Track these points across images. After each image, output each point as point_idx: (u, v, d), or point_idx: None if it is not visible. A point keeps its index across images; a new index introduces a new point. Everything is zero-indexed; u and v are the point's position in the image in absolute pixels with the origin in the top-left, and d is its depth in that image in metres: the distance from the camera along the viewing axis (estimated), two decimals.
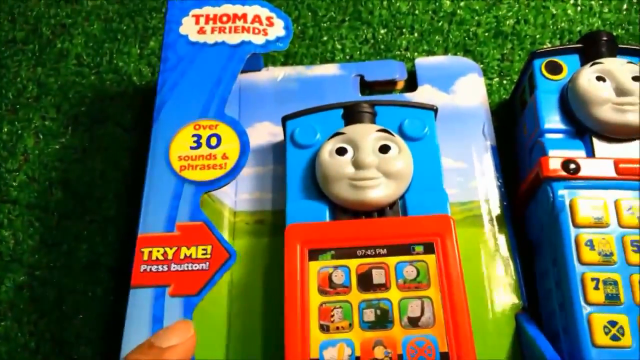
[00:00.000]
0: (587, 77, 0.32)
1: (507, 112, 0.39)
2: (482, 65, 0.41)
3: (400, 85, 0.41)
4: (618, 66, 0.32)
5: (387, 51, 0.43)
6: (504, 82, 0.41)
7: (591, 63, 0.33)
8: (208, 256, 0.27)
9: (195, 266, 0.27)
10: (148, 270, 0.27)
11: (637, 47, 0.34)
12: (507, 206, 0.34)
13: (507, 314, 0.31)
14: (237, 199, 0.35)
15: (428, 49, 0.43)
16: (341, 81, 0.40)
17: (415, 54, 0.42)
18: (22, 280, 0.35)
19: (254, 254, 0.33)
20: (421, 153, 0.33)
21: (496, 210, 0.34)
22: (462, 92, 0.38)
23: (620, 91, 0.31)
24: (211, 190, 0.29)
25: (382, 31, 0.43)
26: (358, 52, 0.43)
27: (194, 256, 0.27)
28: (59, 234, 0.37)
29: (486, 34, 0.43)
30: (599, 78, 0.32)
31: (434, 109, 0.34)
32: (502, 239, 0.33)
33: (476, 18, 0.44)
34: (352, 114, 0.34)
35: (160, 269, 0.27)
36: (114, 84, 0.42)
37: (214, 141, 0.29)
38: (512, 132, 0.38)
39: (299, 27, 0.43)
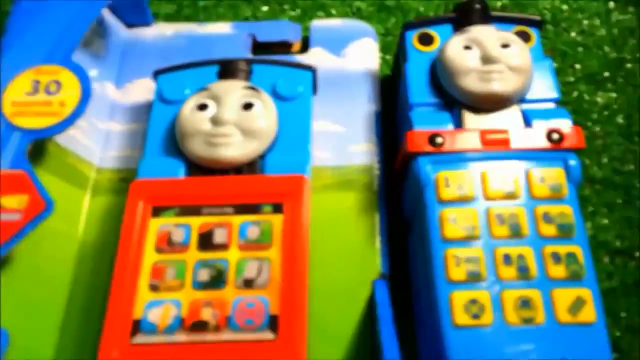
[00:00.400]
0: (454, 47, 0.31)
1: (389, 88, 0.37)
2: None
3: (296, 47, 0.39)
4: (486, 33, 0.31)
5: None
6: (387, 57, 0.39)
7: (460, 32, 0.32)
8: (22, 206, 0.25)
9: (6, 216, 0.25)
10: None
11: (511, 15, 0.33)
12: (381, 175, 0.33)
13: (366, 280, 0.30)
14: (103, 156, 0.33)
15: None
16: (233, 40, 0.38)
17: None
18: None
19: (112, 212, 0.32)
20: (292, 113, 0.31)
21: (369, 177, 0.32)
22: (353, 55, 0.37)
23: (486, 59, 0.30)
24: (39, 139, 0.27)
25: (264, 8, 0.42)
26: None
27: (7, 205, 0.25)
28: None
29: (370, 8, 0.42)
30: (466, 47, 0.31)
31: (312, 70, 0.33)
32: (371, 206, 0.32)
33: None
34: (226, 71, 0.32)
35: None
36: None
37: (53, 87, 0.28)
38: (395, 110, 0.36)
39: None
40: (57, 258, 0.30)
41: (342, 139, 0.34)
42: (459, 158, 0.29)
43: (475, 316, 0.25)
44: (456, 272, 0.26)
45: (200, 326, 0.25)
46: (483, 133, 0.29)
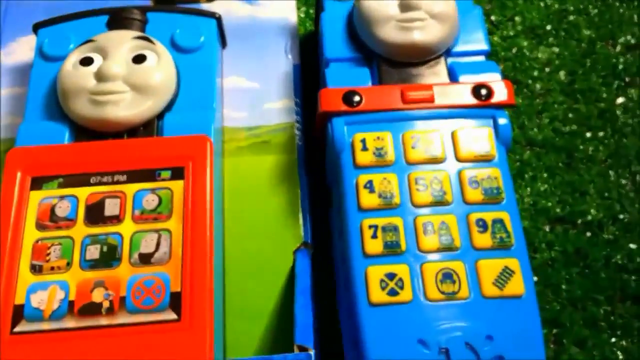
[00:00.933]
0: None
1: (312, 45, 0.34)
2: None
3: None
4: None
5: None
6: (311, 11, 0.36)
7: None
8: None
9: None
10: None
11: None
12: (302, 135, 0.30)
13: (286, 249, 0.27)
14: None
15: None
16: None
17: None
18: None
19: None
20: (193, 67, 0.28)
21: (288, 138, 0.30)
22: (268, 4, 0.33)
23: (406, 6, 0.27)
24: None
25: None
26: None
27: None
28: None
29: None
30: None
31: (215, 17, 0.29)
32: (291, 170, 0.29)
33: None
34: (117, 21, 0.29)
35: None
36: None
37: None
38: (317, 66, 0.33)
39: None
40: None
41: (258, 97, 0.31)
42: (377, 118, 0.26)
43: (393, 292, 0.23)
44: (373, 244, 0.24)
45: (91, 309, 0.22)
46: (404, 89, 0.26)
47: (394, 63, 0.28)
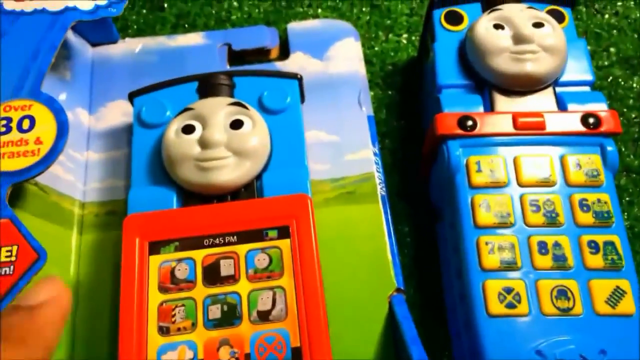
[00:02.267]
0: (484, 26, 0.30)
1: (414, 71, 0.37)
2: (389, 22, 0.39)
3: (275, 53, 0.37)
4: (517, 12, 0.30)
5: (288, 8, 0.40)
6: (413, 38, 0.38)
7: (490, 10, 0.31)
8: (13, 258, 0.23)
9: None
10: None
11: None
12: (383, 181, 0.32)
13: (381, 296, 0.29)
14: (85, 189, 0.31)
15: (332, 5, 0.39)
16: (206, 52, 0.36)
17: (319, 10, 0.39)
18: None
19: (103, 249, 0.30)
20: (282, 127, 0.30)
21: (371, 186, 0.31)
22: (336, 58, 0.35)
23: (519, 39, 0.29)
24: (20, 182, 0.25)
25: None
26: (257, 10, 0.39)
27: None
28: None
29: None
30: (497, 26, 0.30)
31: (297, 78, 0.31)
32: (377, 217, 0.31)
33: None
34: (206, 87, 0.31)
35: None
36: None
37: (26, 124, 0.25)
38: (420, 92, 0.35)
39: None
40: None
41: (338, 149, 0.32)
42: (490, 142, 0.28)
43: (511, 305, 0.25)
44: (490, 260, 0.26)
45: None
46: (516, 116, 0.28)
47: (505, 91, 0.29)
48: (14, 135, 0.25)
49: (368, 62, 0.37)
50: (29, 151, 0.25)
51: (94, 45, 0.36)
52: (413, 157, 0.34)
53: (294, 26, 0.37)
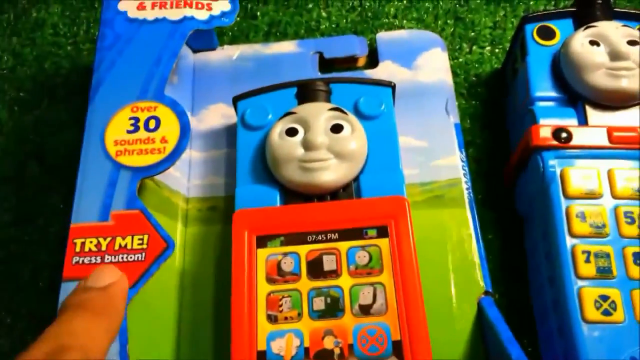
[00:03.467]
0: (580, 42, 0.31)
1: (498, 82, 0.38)
2: (473, 34, 0.40)
3: (362, 61, 0.39)
4: (612, 30, 0.31)
5: (374, 18, 0.41)
6: (496, 50, 0.39)
7: (585, 27, 0.32)
8: (144, 246, 0.25)
9: (131, 257, 0.25)
10: (80, 262, 0.25)
11: (634, 11, 0.33)
12: (470, 186, 0.33)
13: (469, 298, 0.30)
14: (189, 185, 0.33)
15: (417, 17, 0.41)
16: (299, 59, 0.38)
17: (405, 21, 0.41)
18: None
19: (206, 241, 0.32)
20: (377, 132, 0.31)
21: (459, 191, 0.33)
22: (424, 67, 0.37)
23: (615, 55, 0.30)
24: (149, 177, 0.27)
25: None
26: (344, 21, 0.41)
27: (129, 246, 0.25)
28: (34, 208, 0.35)
29: (478, 0, 0.41)
30: (592, 42, 0.31)
31: (391, 86, 0.33)
32: (464, 221, 0.32)
33: None
34: (305, 93, 0.32)
35: (94, 260, 0.25)
36: (91, 55, 0.40)
37: (152, 124, 0.28)
38: (504, 103, 0.36)
39: None
40: (161, 291, 0.30)
41: (426, 154, 0.34)
42: (585, 154, 0.29)
43: (607, 313, 0.26)
44: (586, 268, 0.27)
45: (325, 355, 0.25)
46: (610, 130, 0.29)
47: (598, 105, 0.30)
48: (142, 134, 0.27)
49: (452, 72, 0.38)
50: (156, 149, 0.27)
51: (195, 51, 0.38)
52: (496, 166, 0.35)
53: (383, 36, 0.38)
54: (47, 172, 0.36)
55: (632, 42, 0.30)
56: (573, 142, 0.29)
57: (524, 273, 0.32)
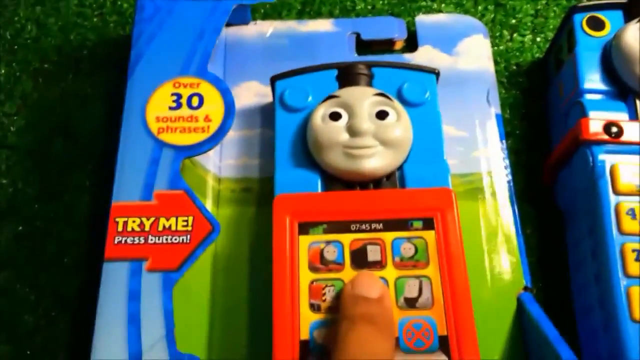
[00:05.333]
0: (633, 34, 0.30)
1: (539, 72, 0.37)
2: (514, 21, 0.39)
3: (399, 45, 0.38)
4: None
5: (412, 1, 0.40)
6: (538, 39, 0.38)
7: (638, 19, 0.31)
8: (189, 228, 0.25)
9: (175, 239, 0.24)
10: (123, 242, 0.25)
11: None
12: (511, 179, 0.32)
13: (508, 293, 0.29)
14: (221, 165, 0.32)
15: (456, 1, 0.40)
16: (335, 39, 0.37)
17: (443, 5, 0.40)
18: (21, 231, 0.33)
19: (240, 224, 0.31)
20: (421, 120, 0.30)
21: (499, 183, 0.32)
22: (465, 54, 0.36)
23: None
24: (193, 156, 0.26)
25: None
26: (381, 2, 0.40)
27: (173, 228, 0.25)
28: (60, 183, 0.34)
29: None
30: None
31: (435, 73, 0.32)
32: (504, 214, 0.31)
33: None
34: (347, 76, 0.31)
35: (137, 241, 0.25)
36: (117, 27, 0.39)
37: (195, 101, 0.27)
38: (545, 94, 0.36)
39: None
40: (205, 274, 0.29)
41: (466, 145, 0.33)
42: (636, 150, 0.28)
43: None
44: (635, 266, 0.26)
45: None
46: None
47: None
48: (184, 111, 0.26)
49: (493, 61, 0.37)
50: (200, 128, 0.26)
51: (227, 25, 0.37)
52: (536, 158, 0.34)
53: (422, 19, 0.37)
54: (73, 147, 0.35)
55: None
56: (624, 137, 0.28)
57: (561, 269, 0.31)
